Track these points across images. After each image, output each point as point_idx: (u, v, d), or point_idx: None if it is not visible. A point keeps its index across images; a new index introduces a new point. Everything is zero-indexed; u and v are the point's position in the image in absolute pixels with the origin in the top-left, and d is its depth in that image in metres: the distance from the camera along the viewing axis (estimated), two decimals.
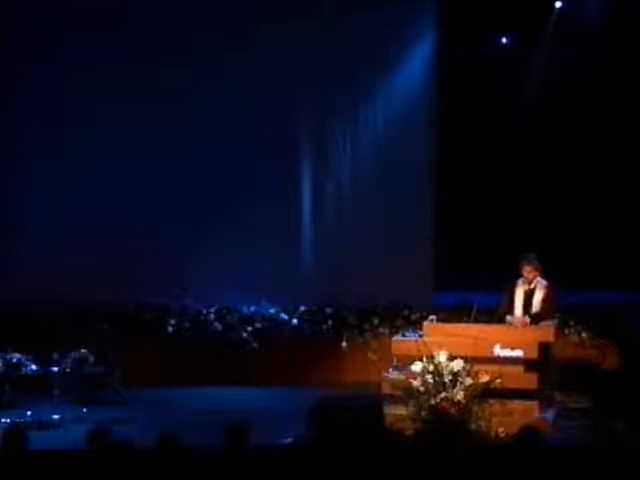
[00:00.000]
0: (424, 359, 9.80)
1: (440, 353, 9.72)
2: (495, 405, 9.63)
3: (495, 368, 9.89)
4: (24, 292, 12.15)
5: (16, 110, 12.90)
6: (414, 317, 11.81)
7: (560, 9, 13.14)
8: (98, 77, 12.72)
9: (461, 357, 9.80)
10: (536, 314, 10.39)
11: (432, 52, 13.22)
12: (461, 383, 9.66)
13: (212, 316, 12.74)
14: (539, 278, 10.45)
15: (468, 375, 9.59)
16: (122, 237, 12.80)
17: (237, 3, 12.77)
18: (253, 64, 12.68)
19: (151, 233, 12.82)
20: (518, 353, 9.95)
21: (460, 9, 12.83)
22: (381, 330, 12.41)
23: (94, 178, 13.00)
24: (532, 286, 10.54)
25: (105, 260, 12.59)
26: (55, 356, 11.25)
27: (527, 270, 10.52)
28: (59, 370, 11.11)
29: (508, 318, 10.58)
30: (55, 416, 10.61)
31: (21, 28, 12.84)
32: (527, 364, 10.02)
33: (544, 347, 10.11)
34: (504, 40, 13.70)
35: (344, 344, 12.66)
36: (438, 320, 10.83)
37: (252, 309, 12.80)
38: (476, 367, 9.77)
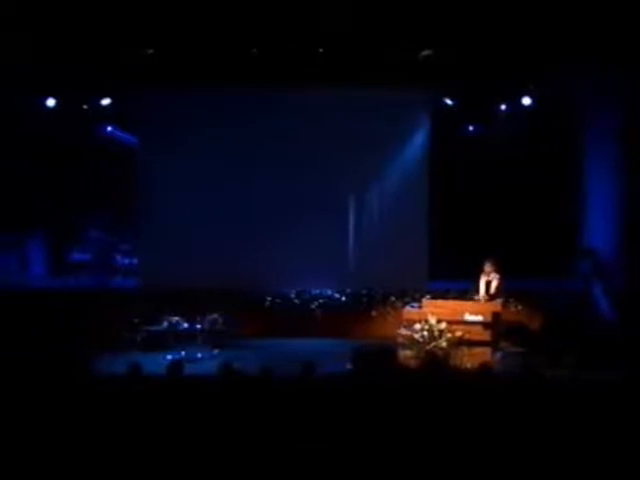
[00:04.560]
0: (422, 322, 10.05)
1: (432, 318, 10.09)
2: (465, 350, 10.34)
3: (465, 327, 10.60)
4: (179, 278, 12.30)
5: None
6: (416, 296, 12.12)
7: (504, 109, 13.06)
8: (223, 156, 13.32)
9: (445, 320, 10.28)
10: (491, 295, 11.09)
11: (427, 137, 13.56)
12: (444, 336, 9.82)
13: (293, 295, 12.91)
14: (494, 273, 10.73)
15: (449, 332, 10.55)
16: (234, 247, 13.13)
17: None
18: (319, 152, 13.36)
19: (253, 244, 12.98)
20: (479, 318, 10.79)
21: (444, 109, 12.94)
22: (396, 304, 12.53)
23: (214, 208, 13.60)
24: (490, 278, 11.42)
25: (218, 260, 13.01)
26: (198, 318, 11.81)
27: (487, 267, 11.28)
28: (201, 327, 11.52)
29: (475, 297, 10.96)
30: (199, 355, 11.10)
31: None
32: (485, 325, 10.92)
33: (495, 315, 10.77)
34: (471, 128, 13.69)
35: (374, 313, 12.87)
36: (431, 298, 11.48)
37: (317, 291, 13.31)
38: (454, 327, 10.48)
